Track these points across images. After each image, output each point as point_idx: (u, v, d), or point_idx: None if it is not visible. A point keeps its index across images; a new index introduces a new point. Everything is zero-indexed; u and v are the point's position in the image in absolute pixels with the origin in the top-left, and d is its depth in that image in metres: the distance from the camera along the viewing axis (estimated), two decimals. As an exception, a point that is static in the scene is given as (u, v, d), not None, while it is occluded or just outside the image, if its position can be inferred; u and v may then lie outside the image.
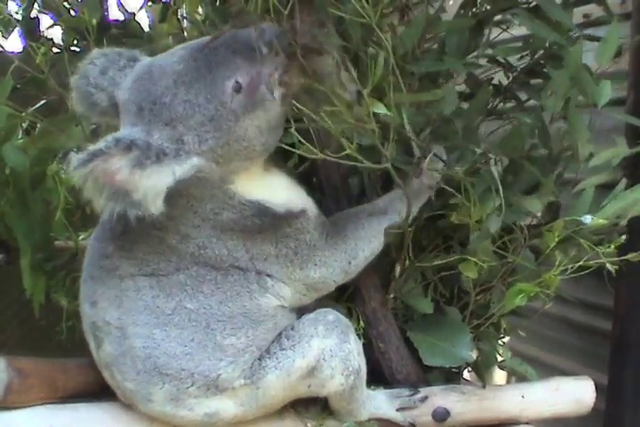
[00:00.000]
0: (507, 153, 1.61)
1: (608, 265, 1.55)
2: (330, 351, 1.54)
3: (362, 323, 1.73)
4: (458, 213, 1.58)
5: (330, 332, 1.55)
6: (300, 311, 1.63)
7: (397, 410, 1.69)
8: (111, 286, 1.53)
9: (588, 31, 1.82)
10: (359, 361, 1.59)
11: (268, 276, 1.56)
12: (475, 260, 1.59)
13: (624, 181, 1.67)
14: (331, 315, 1.58)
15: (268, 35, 1.40)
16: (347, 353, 1.56)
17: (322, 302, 1.66)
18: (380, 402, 1.68)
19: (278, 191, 1.54)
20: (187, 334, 1.50)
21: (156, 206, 1.36)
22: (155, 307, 1.50)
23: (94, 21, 1.80)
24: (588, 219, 1.57)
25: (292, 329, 1.57)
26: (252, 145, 1.45)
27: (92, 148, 1.33)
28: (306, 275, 1.59)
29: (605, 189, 1.68)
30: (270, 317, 1.57)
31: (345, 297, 1.76)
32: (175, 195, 1.43)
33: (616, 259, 1.58)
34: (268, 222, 1.51)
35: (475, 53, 1.73)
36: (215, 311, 1.51)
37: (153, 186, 1.35)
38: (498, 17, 1.78)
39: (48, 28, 1.94)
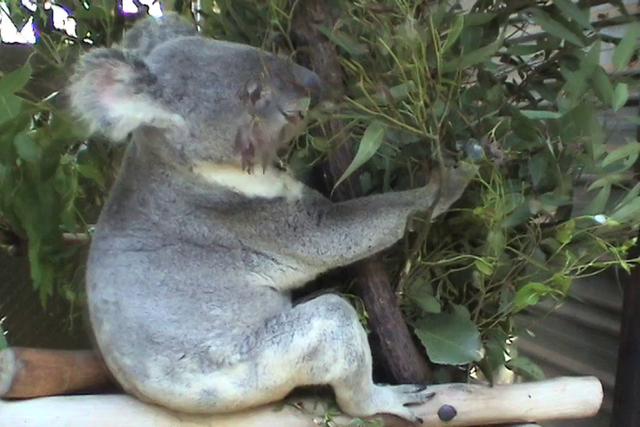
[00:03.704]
0: (518, 145, 1.61)
1: (624, 264, 1.54)
2: (331, 333, 1.54)
3: (365, 313, 1.72)
4: (485, 209, 1.55)
5: (331, 313, 1.55)
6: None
7: (404, 406, 1.68)
8: (107, 265, 1.57)
9: (603, 31, 1.82)
10: (363, 347, 1.59)
11: (255, 253, 1.58)
12: (486, 258, 1.57)
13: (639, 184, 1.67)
14: (333, 298, 1.59)
15: (307, 78, 1.49)
16: (349, 337, 1.56)
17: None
18: (387, 397, 1.68)
19: (248, 181, 1.53)
20: (174, 302, 1.53)
21: (119, 134, 1.43)
22: (145, 279, 1.54)
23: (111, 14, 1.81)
24: (601, 218, 1.56)
25: (293, 308, 1.59)
26: (224, 142, 1.48)
27: (113, 48, 1.42)
28: (293, 252, 1.59)
29: (614, 189, 1.67)
30: (259, 295, 1.59)
31: (348, 288, 1.75)
32: (154, 162, 1.52)
33: (627, 261, 1.57)
34: (237, 204, 1.53)
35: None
36: (201, 283, 1.54)
37: (133, 112, 1.43)
38: (513, 15, 1.77)
39: (62, 21, 1.95)
